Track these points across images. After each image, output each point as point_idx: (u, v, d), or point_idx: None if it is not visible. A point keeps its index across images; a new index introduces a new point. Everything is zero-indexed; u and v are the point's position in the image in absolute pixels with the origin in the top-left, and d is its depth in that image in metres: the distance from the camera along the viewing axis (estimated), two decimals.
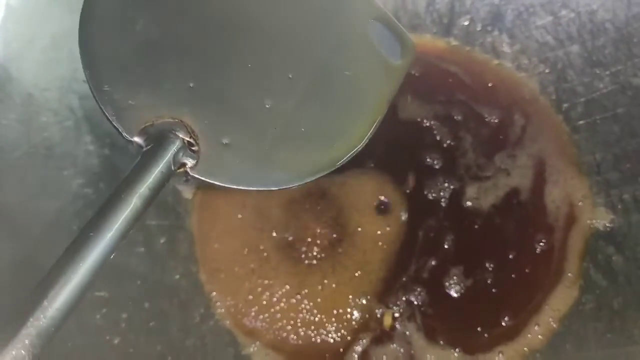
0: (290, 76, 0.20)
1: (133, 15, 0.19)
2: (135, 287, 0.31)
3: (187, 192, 0.34)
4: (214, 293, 0.32)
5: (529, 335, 0.30)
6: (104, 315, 0.29)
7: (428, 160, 0.33)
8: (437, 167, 0.33)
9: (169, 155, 0.18)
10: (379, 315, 0.31)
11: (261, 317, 0.31)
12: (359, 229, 0.32)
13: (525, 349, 0.30)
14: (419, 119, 0.34)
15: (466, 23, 0.36)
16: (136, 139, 0.18)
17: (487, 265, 0.31)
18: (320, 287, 0.31)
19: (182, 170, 0.19)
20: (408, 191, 0.33)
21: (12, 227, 0.28)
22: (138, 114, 0.18)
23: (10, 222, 0.28)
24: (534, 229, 0.32)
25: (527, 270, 0.31)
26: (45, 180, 0.30)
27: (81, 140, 0.31)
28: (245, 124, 0.19)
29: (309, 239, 0.32)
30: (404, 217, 0.32)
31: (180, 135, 0.18)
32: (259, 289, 0.32)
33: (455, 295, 0.31)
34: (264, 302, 0.31)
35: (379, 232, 0.32)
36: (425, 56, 0.36)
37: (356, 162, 0.33)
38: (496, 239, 0.32)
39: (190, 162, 0.19)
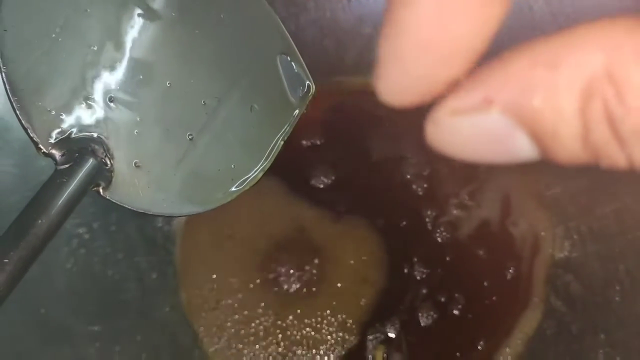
0: (205, 102, 0.20)
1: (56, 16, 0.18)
2: (127, 321, 0.33)
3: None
4: (202, 328, 0.34)
5: (501, 358, 0.32)
6: (97, 349, 0.31)
7: (402, 194, 0.36)
8: (410, 201, 0.35)
9: (86, 175, 0.17)
10: (369, 349, 0.33)
11: (246, 352, 0.33)
12: (339, 267, 0.34)
13: None
14: (392, 156, 0.37)
15: None
16: (53, 152, 0.17)
17: (463, 293, 0.33)
18: (303, 324, 0.34)
19: (94, 190, 0.18)
20: (383, 225, 0.35)
21: None
22: (55, 124, 0.17)
23: None
24: (504, 257, 0.34)
25: (499, 296, 0.33)
26: None
27: None
28: (159, 149, 0.19)
29: (291, 276, 0.34)
30: (380, 251, 0.35)
31: (98, 153, 0.17)
32: (242, 325, 0.34)
33: (435, 323, 0.33)
34: (248, 339, 0.34)
35: (356, 267, 0.34)
36: None
37: (334, 201, 0.35)
38: (471, 268, 0.34)
39: (103, 183, 0.18)
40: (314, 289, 0.34)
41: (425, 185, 0.35)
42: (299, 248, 0.35)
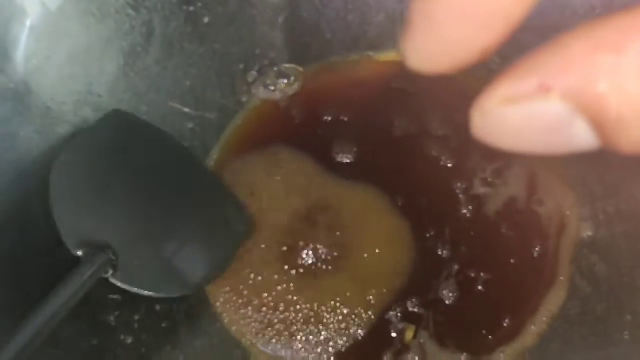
0: (175, 225, 0.31)
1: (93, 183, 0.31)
2: None
3: None
4: (220, 300, 0.34)
5: (527, 335, 0.32)
6: (117, 317, 0.31)
7: (427, 170, 0.35)
8: (435, 177, 0.35)
9: (99, 266, 0.27)
10: (398, 328, 0.33)
11: (264, 326, 0.33)
12: (363, 243, 0.34)
13: (524, 347, 0.32)
14: (416, 130, 0.36)
15: None
16: (78, 252, 0.28)
17: (489, 270, 0.33)
18: (325, 300, 0.33)
19: (104, 276, 0.28)
20: (408, 201, 0.35)
21: None
22: (81, 236, 0.28)
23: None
24: (530, 235, 0.34)
25: (524, 274, 0.33)
26: None
27: None
28: (146, 252, 0.30)
29: (314, 251, 0.34)
30: (405, 228, 0.34)
31: (107, 252, 0.28)
32: (262, 299, 0.34)
33: (461, 300, 0.33)
34: (267, 312, 0.33)
35: (381, 244, 0.34)
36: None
37: (357, 176, 0.35)
38: (497, 245, 0.34)
39: (110, 272, 0.28)
40: (336, 265, 0.34)
41: (450, 162, 0.35)
42: (322, 223, 0.34)
